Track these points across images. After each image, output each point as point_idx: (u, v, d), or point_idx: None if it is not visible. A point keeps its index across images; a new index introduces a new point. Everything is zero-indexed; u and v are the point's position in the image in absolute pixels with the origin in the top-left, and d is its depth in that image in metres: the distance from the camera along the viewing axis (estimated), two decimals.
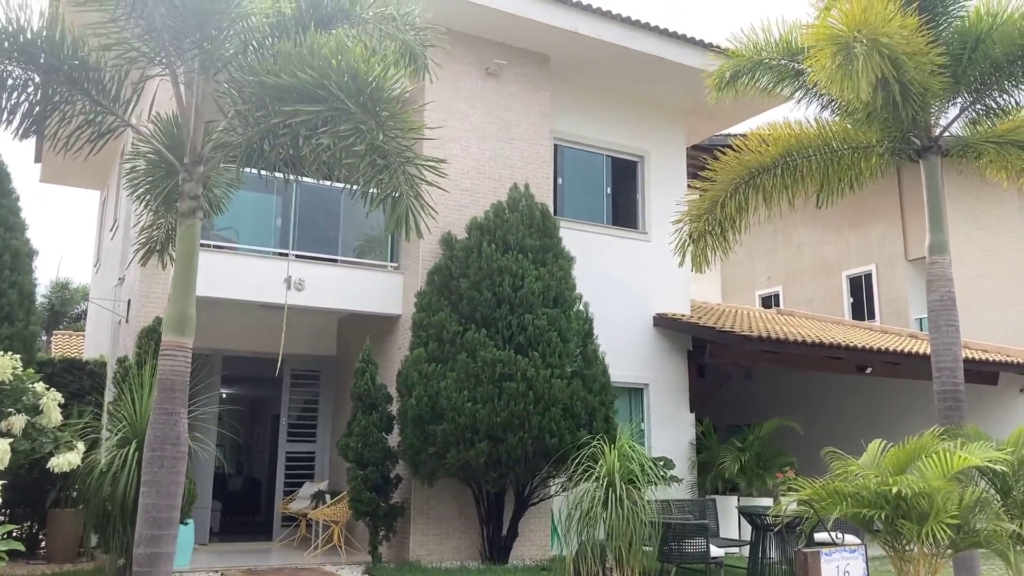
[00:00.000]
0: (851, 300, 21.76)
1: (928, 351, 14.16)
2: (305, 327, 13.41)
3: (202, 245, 6.63)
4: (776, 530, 8.00)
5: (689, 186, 15.19)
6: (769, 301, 23.80)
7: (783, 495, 8.92)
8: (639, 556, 7.32)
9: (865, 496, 5.47)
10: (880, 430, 16.87)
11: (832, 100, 8.88)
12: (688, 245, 9.24)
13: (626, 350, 12.55)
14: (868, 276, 21.41)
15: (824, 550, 4.96)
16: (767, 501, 12.50)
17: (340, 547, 11.14)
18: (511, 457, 9.56)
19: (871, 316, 20.88)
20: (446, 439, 9.56)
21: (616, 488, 7.36)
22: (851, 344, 13.08)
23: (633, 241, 13.52)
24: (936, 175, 8.29)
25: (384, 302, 11.55)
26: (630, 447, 7.65)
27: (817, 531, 8.77)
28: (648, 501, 7.50)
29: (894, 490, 5.16)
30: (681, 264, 9.74)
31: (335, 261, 11.54)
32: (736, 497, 13.08)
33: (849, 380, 16.57)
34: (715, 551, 8.25)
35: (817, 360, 13.38)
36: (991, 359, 14.67)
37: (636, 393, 13.07)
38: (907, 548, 5.46)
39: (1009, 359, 14.95)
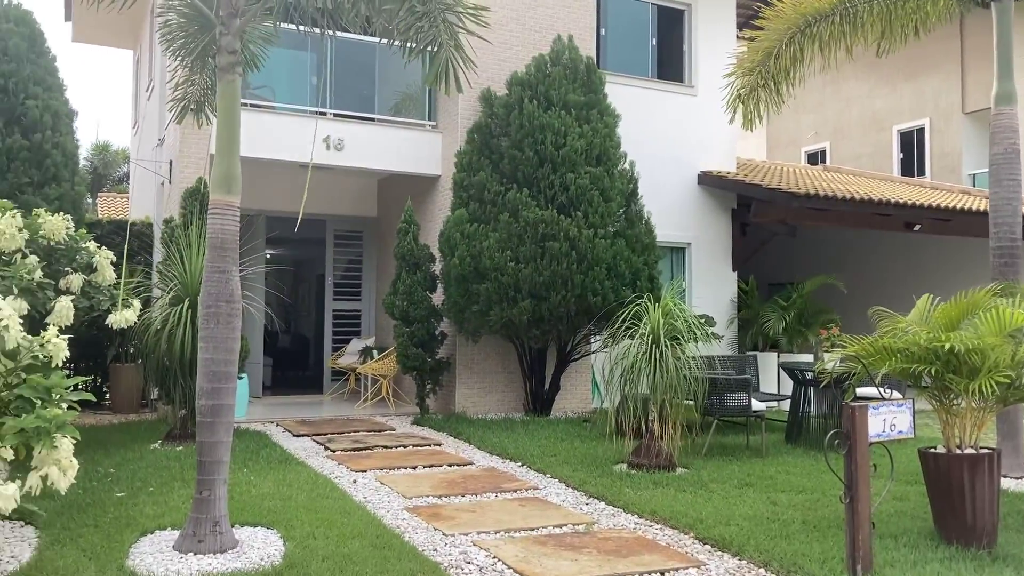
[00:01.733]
0: (901, 156, 21.09)
1: (982, 207, 13.87)
2: (346, 188, 13.41)
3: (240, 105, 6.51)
4: (822, 385, 8.07)
5: (739, 37, 14.51)
6: (815, 157, 23.18)
7: (826, 351, 8.97)
8: (681, 409, 7.46)
9: (915, 352, 5.43)
10: (926, 289, 16.76)
11: None
12: (739, 101, 8.87)
13: (670, 209, 12.39)
14: (920, 130, 20.63)
15: (871, 404, 4.97)
16: (808, 357, 12.61)
17: (389, 399, 11.55)
18: (553, 315, 9.66)
19: (921, 173, 20.27)
20: (489, 298, 9.65)
21: (660, 344, 7.41)
22: (900, 200, 12.75)
23: (679, 95, 13.07)
24: (1008, 19, 7.75)
25: (423, 162, 11.43)
26: (674, 304, 7.64)
27: (860, 386, 8.84)
28: (691, 357, 7.55)
29: (947, 346, 5.10)
30: (732, 121, 9.39)
31: (372, 120, 11.36)
32: (776, 353, 13.19)
33: (895, 239, 16.32)
34: (756, 405, 8.38)
35: (865, 218, 13.10)
36: None
37: (678, 252, 12.99)
38: (955, 403, 5.47)
39: None
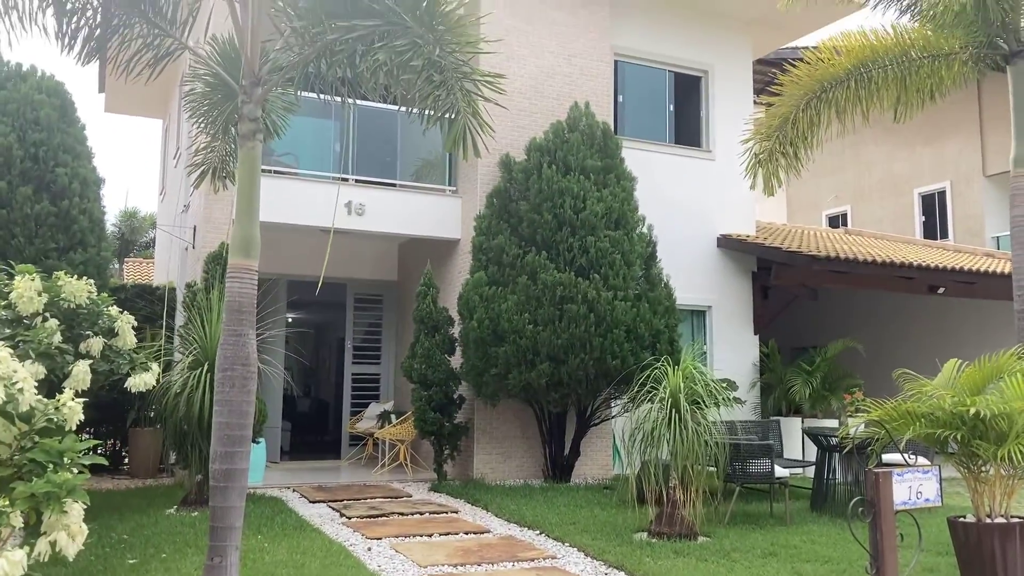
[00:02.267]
0: (923, 219, 20.99)
1: (1006, 270, 13.72)
2: (367, 252, 13.54)
3: (263, 171, 6.61)
4: (845, 451, 7.90)
5: (755, 103, 14.67)
6: (836, 221, 23.12)
7: (851, 416, 8.80)
8: (702, 475, 7.31)
9: (940, 416, 5.32)
10: (949, 352, 16.47)
11: (913, 3, 8.36)
12: (758, 165, 8.91)
13: (690, 272, 12.36)
14: (942, 193, 20.57)
15: (896, 470, 4.85)
16: (832, 423, 12.38)
17: (406, 465, 11.43)
18: (572, 378, 9.59)
19: (944, 235, 20.14)
20: (508, 361, 9.61)
21: (680, 409, 7.31)
22: (923, 263, 12.65)
23: (697, 160, 13.16)
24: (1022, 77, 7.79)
25: (443, 226, 11.54)
26: (694, 368, 7.56)
27: (886, 452, 8.65)
28: (712, 422, 7.44)
29: (972, 410, 4.99)
30: (753, 186, 9.41)
31: (393, 185, 11.52)
32: (800, 419, 12.96)
33: (917, 301, 16.17)
34: (780, 471, 8.20)
35: (887, 280, 13.00)
36: None
37: (699, 315, 12.91)
38: (983, 469, 5.32)
39: None
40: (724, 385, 8.72)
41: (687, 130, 13.48)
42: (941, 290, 13.53)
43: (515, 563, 6.56)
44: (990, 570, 5.04)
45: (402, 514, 8.51)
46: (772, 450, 8.12)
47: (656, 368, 7.71)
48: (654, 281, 10.28)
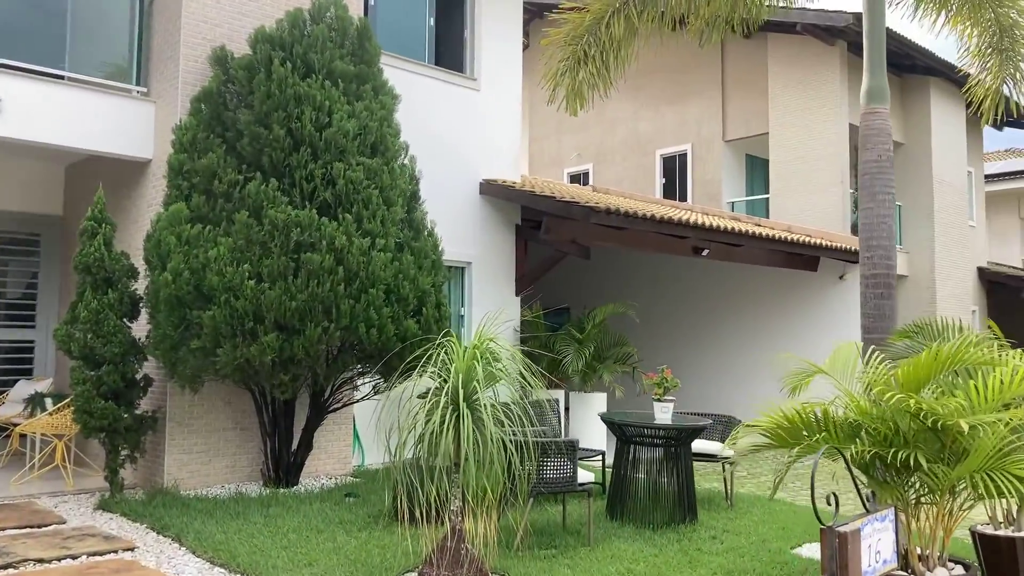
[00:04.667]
0: (663, 181, 20.73)
1: (772, 234, 13.25)
2: (17, 174, 9.87)
3: None
4: (660, 445, 6.35)
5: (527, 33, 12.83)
6: (579, 179, 22.36)
7: (657, 399, 7.24)
8: (499, 492, 5.28)
9: (880, 429, 3.66)
10: (714, 319, 16.04)
11: None
12: (561, 77, 6.92)
13: (449, 221, 10.23)
14: (683, 156, 20.38)
15: (859, 523, 3.10)
16: (602, 397, 11.11)
17: (66, 469, 8.25)
18: (310, 354, 7.08)
19: (683, 198, 19.96)
20: (217, 329, 6.88)
21: (472, 402, 5.21)
22: (705, 223, 11.64)
23: (459, 88, 11.00)
24: (882, 5, 6.49)
25: (127, 140, 8.35)
26: (490, 345, 5.47)
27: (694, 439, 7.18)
28: (508, 415, 5.44)
29: (952, 425, 3.37)
30: (551, 100, 7.43)
31: (60, 78, 8.11)
32: (564, 392, 11.52)
33: (667, 265, 15.71)
34: (583, 475, 6.40)
35: (658, 240, 11.85)
36: (822, 244, 13.96)
37: (456, 273, 10.89)
38: (922, 502, 3.76)
39: (834, 244, 14.32)
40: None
41: (449, 52, 11.27)
42: (706, 252, 12.70)
43: None
44: None
45: (42, 560, 5.59)
46: (576, 450, 6.26)
47: (437, 344, 5.49)
48: (418, 227, 8.03)
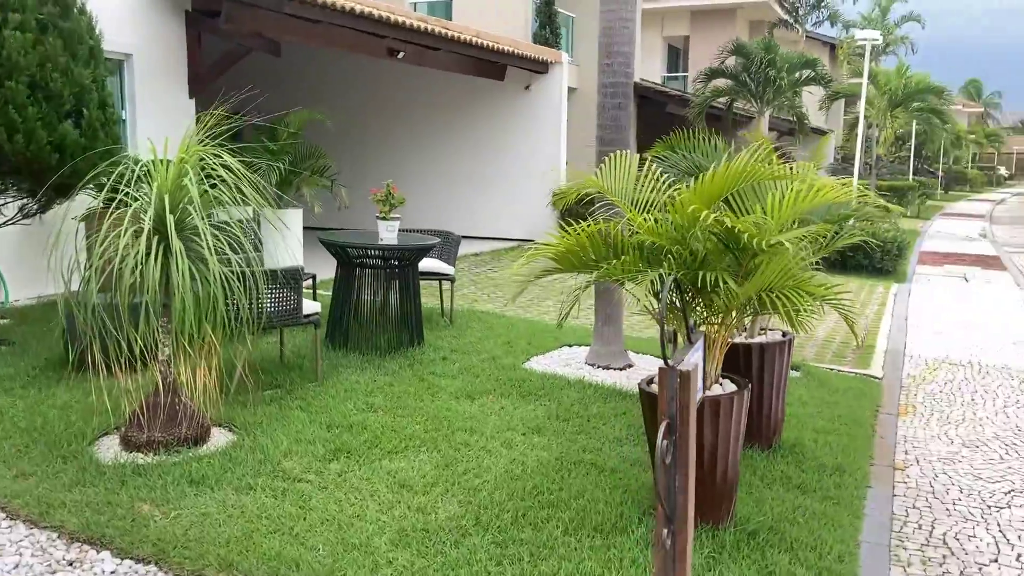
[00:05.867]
0: None
1: (464, 37, 12.58)
2: None
3: None
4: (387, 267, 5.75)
5: None
6: None
7: (383, 218, 6.59)
8: (221, 333, 4.35)
9: (680, 251, 3.38)
10: (414, 127, 15.28)
11: None
12: None
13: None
14: None
15: (694, 358, 2.80)
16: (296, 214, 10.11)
17: None
18: None
19: None
20: None
21: (178, 227, 4.11)
22: (409, 24, 10.69)
23: None
24: None
25: None
26: (197, 159, 4.31)
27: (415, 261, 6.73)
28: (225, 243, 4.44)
29: (751, 242, 3.14)
30: None
31: None
32: (252, 209, 10.31)
33: (361, 71, 14.69)
34: (310, 306, 5.62)
35: (355, 37, 10.69)
36: (512, 51, 13.67)
37: (112, 67, 8.93)
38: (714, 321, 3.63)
39: (521, 52, 14.10)
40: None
41: None
42: (401, 54, 11.81)
43: None
44: None
45: None
46: (300, 279, 5.44)
47: (119, 154, 4.23)
48: (66, 2, 6.19)
